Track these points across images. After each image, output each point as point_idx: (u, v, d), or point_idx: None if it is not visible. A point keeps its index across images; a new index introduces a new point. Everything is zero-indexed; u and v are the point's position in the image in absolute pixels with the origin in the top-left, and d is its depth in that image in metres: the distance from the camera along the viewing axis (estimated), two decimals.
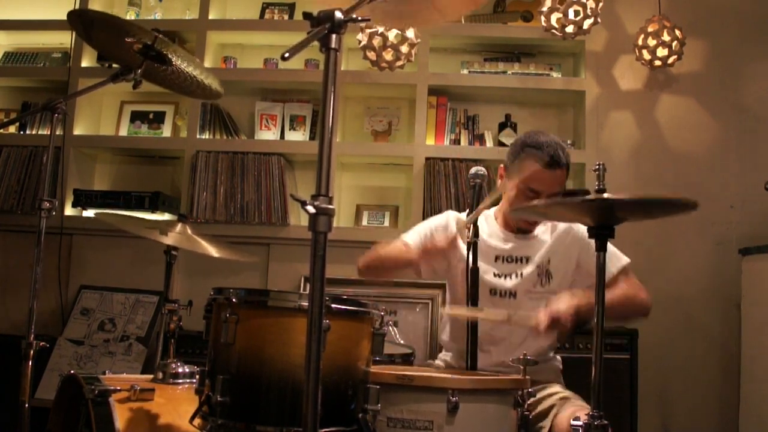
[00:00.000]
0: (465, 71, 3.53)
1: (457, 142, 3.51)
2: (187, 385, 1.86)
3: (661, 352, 3.25)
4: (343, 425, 1.43)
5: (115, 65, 2.19)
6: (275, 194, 3.37)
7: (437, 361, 2.22)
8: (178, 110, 3.70)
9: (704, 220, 3.34)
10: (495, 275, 2.08)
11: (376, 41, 3.12)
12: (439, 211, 3.24)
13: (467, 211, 2.00)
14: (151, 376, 1.90)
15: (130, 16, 3.69)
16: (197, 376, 1.56)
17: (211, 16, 3.60)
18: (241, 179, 3.39)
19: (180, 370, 1.89)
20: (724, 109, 3.47)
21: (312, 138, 3.55)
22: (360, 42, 3.15)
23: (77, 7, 3.54)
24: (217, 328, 1.47)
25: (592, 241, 2.02)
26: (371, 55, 3.15)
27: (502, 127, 3.52)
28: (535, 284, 2.07)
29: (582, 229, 2.07)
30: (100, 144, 3.63)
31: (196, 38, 3.57)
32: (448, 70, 3.59)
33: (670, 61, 3.25)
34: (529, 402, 1.55)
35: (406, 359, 2.16)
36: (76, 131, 3.55)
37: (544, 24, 3.11)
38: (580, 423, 1.40)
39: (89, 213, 3.46)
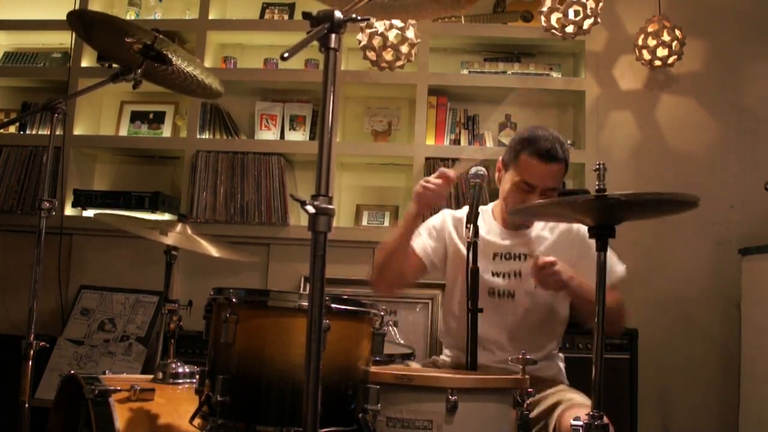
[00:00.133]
0: (465, 71, 3.53)
1: (457, 142, 3.51)
2: (187, 385, 1.86)
3: (661, 352, 3.26)
4: (343, 425, 1.43)
5: (115, 65, 2.19)
6: (275, 194, 3.37)
7: (442, 356, 2.21)
8: (178, 110, 3.70)
9: (704, 220, 3.34)
10: (493, 274, 2.07)
11: (376, 41, 3.12)
12: (439, 211, 3.26)
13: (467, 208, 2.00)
14: (151, 376, 1.90)
15: (130, 16, 3.69)
16: (197, 376, 1.56)
17: (211, 16, 3.60)
18: (241, 179, 3.39)
19: (180, 370, 1.89)
20: (724, 109, 3.47)
21: (312, 138, 3.55)
22: (360, 42, 3.15)
23: (77, 7, 3.54)
24: (217, 328, 1.47)
25: (592, 247, 2.03)
26: (371, 55, 3.15)
27: (502, 127, 3.52)
28: (535, 284, 2.05)
29: (582, 231, 2.08)
30: (100, 144, 3.63)
31: (196, 38, 3.57)
32: (448, 70, 3.59)
33: (670, 61, 3.25)
34: (529, 401, 1.54)
35: (406, 359, 2.16)
36: (76, 131, 3.55)
37: (544, 24, 3.11)
38: (580, 423, 1.40)
39: (89, 213, 3.46)
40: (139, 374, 2.67)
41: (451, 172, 1.98)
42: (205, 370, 1.51)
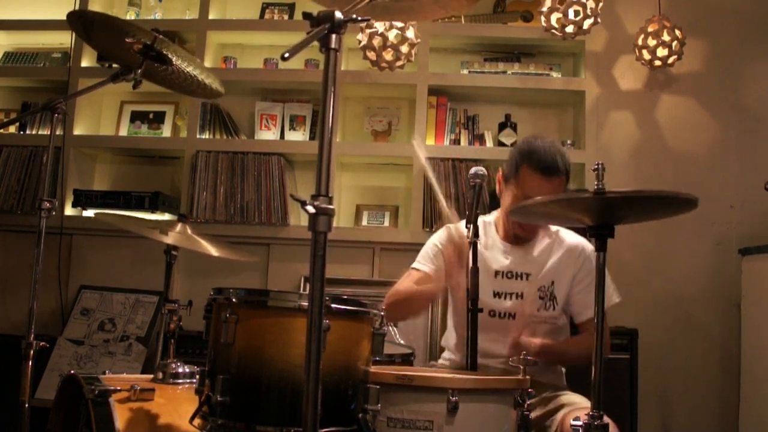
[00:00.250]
0: (465, 71, 3.53)
1: (457, 142, 3.51)
2: (187, 385, 1.85)
3: (661, 352, 3.26)
4: (343, 425, 1.43)
5: (115, 65, 2.19)
6: (275, 194, 3.37)
7: (441, 361, 2.21)
8: (178, 110, 3.70)
9: (704, 220, 3.34)
10: (495, 294, 2.04)
11: (376, 41, 3.12)
12: (439, 212, 3.26)
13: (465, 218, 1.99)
14: (151, 376, 1.90)
15: (130, 16, 3.69)
16: (197, 376, 1.56)
17: (211, 16, 3.60)
18: (241, 179, 3.39)
19: (180, 370, 1.89)
20: (724, 109, 3.47)
21: (312, 138, 3.55)
22: (360, 42, 3.15)
23: (77, 7, 3.55)
24: (217, 328, 1.47)
25: (592, 272, 2.01)
26: (371, 55, 3.15)
27: (502, 127, 3.52)
28: (539, 308, 2.03)
29: (588, 252, 2.04)
30: (100, 144, 3.64)
31: (196, 38, 3.57)
32: (448, 70, 3.59)
33: (670, 61, 3.25)
34: (529, 402, 1.54)
35: (406, 359, 2.15)
36: (76, 131, 3.55)
37: (544, 24, 3.11)
38: (580, 423, 1.40)
39: (89, 213, 3.46)
40: (139, 374, 2.67)
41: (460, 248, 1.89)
42: (205, 370, 1.51)
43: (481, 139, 3.53)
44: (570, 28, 3.07)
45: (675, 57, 3.25)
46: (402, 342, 2.62)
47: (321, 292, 1.11)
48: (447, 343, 2.21)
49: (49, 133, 2.69)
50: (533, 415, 1.60)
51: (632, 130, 3.52)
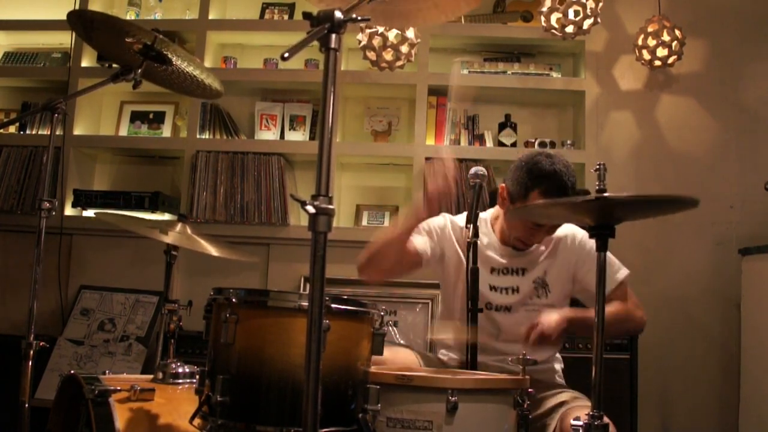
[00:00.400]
0: (465, 71, 3.53)
1: (457, 142, 3.51)
2: (187, 385, 1.86)
3: (661, 352, 3.26)
4: (343, 425, 1.43)
5: (115, 65, 2.18)
6: (275, 194, 3.37)
7: (440, 356, 2.21)
8: (178, 110, 3.70)
9: (704, 220, 3.34)
10: (491, 288, 2.06)
11: (376, 41, 3.12)
12: (439, 212, 3.26)
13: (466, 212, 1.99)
14: (151, 376, 1.90)
15: (130, 16, 3.69)
16: (197, 376, 1.56)
17: (211, 16, 3.60)
18: (241, 179, 3.39)
19: (180, 370, 1.89)
20: (724, 109, 3.47)
21: (312, 138, 3.55)
22: (360, 42, 3.15)
23: (77, 7, 3.54)
24: (217, 328, 1.47)
25: (591, 252, 2.02)
26: (371, 55, 3.15)
27: (502, 127, 3.52)
28: (531, 296, 2.05)
29: (580, 237, 2.07)
30: (100, 144, 3.63)
31: (196, 38, 3.57)
32: (448, 70, 3.58)
33: (670, 61, 3.25)
34: (528, 402, 1.54)
35: None
36: (76, 131, 3.55)
37: (543, 24, 3.11)
38: (580, 423, 1.40)
39: (89, 213, 3.46)
40: (139, 374, 2.67)
41: (448, 169, 1.89)
42: (205, 370, 1.51)
43: (481, 139, 3.53)
44: (570, 28, 3.07)
45: (675, 57, 3.25)
46: (402, 342, 2.63)
47: (321, 292, 1.11)
48: (439, 340, 2.20)
49: (49, 133, 2.69)
50: (531, 413, 1.60)
51: (632, 130, 3.51)
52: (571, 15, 3.04)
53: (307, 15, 1.15)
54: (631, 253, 3.29)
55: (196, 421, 1.48)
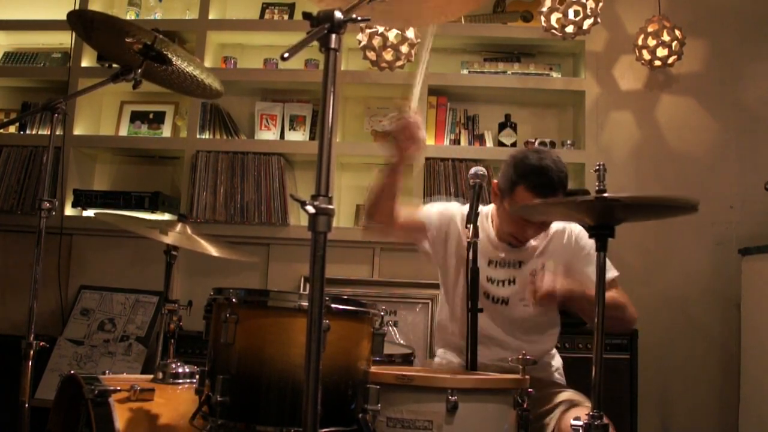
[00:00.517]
0: (465, 71, 3.53)
1: (457, 142, 3.51)
2: (187, 385, 1.85)
3: (661, 352, 3.26)
4: (343, 425, 1.43)
5: (115, 65, 2.19)
6: (275, 194, 3.37)
7: (436, 359, 2.21)
8: (178, 110, 3.70)
9: (704, 220, 3.34)
10: (488, 279, 2.06)
11: (376, 41, 3.12)
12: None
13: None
14: (151, 376, 1.90)
15: (130, 16, 3.69)
16: (197, 376, 1.56)
17: (211, 16, 3.60)
18: (241, 179, 3.39)
19: (180, 370, 1.89)
20: (724, 109, 3.47)
21: (312, 138, 3.55)
22: (360, 42, 3.15)
23: (77, 7, 3.54)
24: (217, 328, 1.47)
25: (585, 247, 2.03)
26: (371, 55, 3.15)
27: (502, 127, 3.52)
28: (527, 290, 2.04)
29: (575, 231, 2.08)
30: (100, 144, 3.63)
31: (196, 38, 3.57)
32: (448, 70, 3.58)
33: (670, 61, 3.25)
34: (528, 402, 1.54)
35: (406, 359, 2.15)
36: (76, 131, 3.55)
37: (544, 24, 3.11)
38: (580, 423, 1.40)
39: (89, 213, 3.46)
40: (139, 374, 2.67)
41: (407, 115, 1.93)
42: (205, 370, 1.51)
43: (481, 139, 3.53)
44: (570, 28, 3.07)
45: (675, 57, 3.25)
46: (402, 342, 2.63)
47: (321, 292, 1.11)
48: (439, 330, 2.20)
49: (49, 133, 2.69)
50: (531, 413, 1.59)
51: (632, 130, 3.51)
52: (571, 15, 3.04)
53: (306, 15, 1.15)
54: (631, 254, 3.31)
55: (196, 421, 1.48)
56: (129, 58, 1.93)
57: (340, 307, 1.45)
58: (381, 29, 3.08)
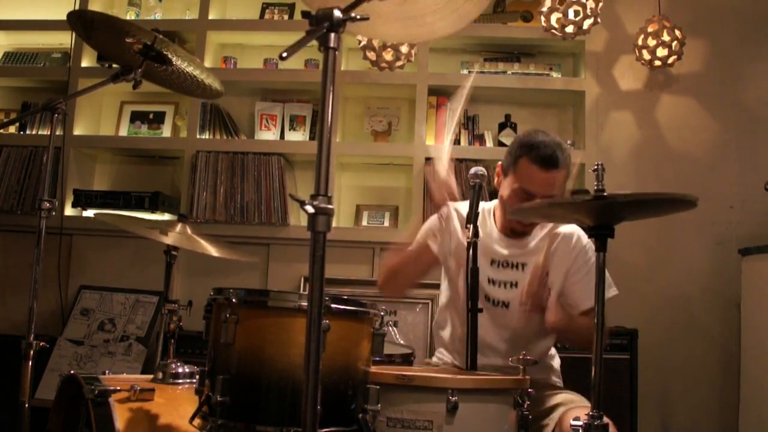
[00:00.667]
0: (465, 71, 3.53)
1: (457, 142, 3.51)
2: (187, 385, 1.86)
3: (661, 352, 3.26)
4: (343, 425, 1.43)
5: (115, 65, 2.19)
6: (275, 194, 3.37)
7: (434, 359, 2.20)
8: (178, 110, 3.70)
9: (704, 220, 3.34)
10: (490, 281, 2.04)
11: (376, 41, 3.12)
12: None
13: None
14: (151, 376, 1.90)
15: (130, 16, 3.69)
16: (197, 376, 1.56)
17: (211, 16, 3.60)
18: (241, 179, 3.39)
19: (180, 370, 1.89)
20: (724, 109, 3.47)
21: (312, 138, 3.55)
22: (360, 42, 3.15)
23: (77, 7, 3.54)
24: (217, 328, 1.47)
25: (587, 264, 2.01)
26: (371, 55, 3.16)
27: (502, 127, 3.52)
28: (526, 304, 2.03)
29: (583, 242, 2.05)
30: (100, 144, 3.64)
31: (196, 38, 3.57)
32: (448, 70, 3.59)
33: (670, 61, 3.25)
34: (528, 402, 1.54)
35: (406, 359, 2.15)
36: (76, 131, 3.55)
37: (544, 24, 3.11)
38: (580, 423, 1.40)
39: (89, 213, 3.46)
40: (139, 374, 2.67)
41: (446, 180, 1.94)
42: (205, 370, 1.51)
43: (481, 139, 3.53)
44: (570, 28, 3.07)
45: (675, 57, 3.25)
46: (402, 342, 2.63)
47: (321, 292, 1.11)
48: (440, 333, 2.19)
49: (49, 133, 2.69)
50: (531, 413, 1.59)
51: (632, 130, 3.52)
52: (571, 15, 3.04)
53: (306, 14, 1.15)
54: (631, 253, 3.31)
55: (196, 421, 1.48)
56: (129, 58, 1.93)
57: (340, 307, 1.45)
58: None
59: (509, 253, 2.06)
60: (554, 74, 3.49)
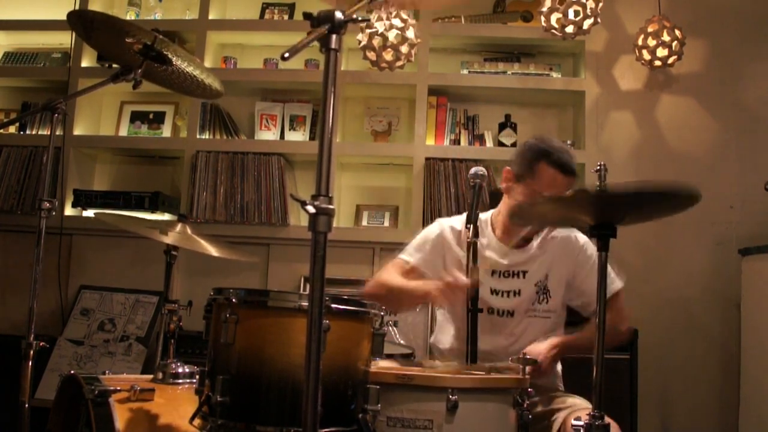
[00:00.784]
0: (465, 71, 3.53)
1: (457, 142, 3.51)
2: (187, 385, 1.86)
3: (661, 352, 3.26)
4: (343, 425, 1.43)
5: (115, 65, 2.18)
6: (275, 194, 3.37)
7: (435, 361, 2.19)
8: (178, 110, 3.70)
9: (704, 220, 3.34)
10: (492, 291, 2.04)
11: (376, 41, 3.12)
12: (439, 212, 3.26)
13: (465, 213, 1.98)
14: (151, 376, 1.90)
15: (130, 16, 3.69)
16: (197, 376, 1.56)
17: (211, 16, 3.60)
18: (241, 179, 3.39)
19: (180, 370, 1.89)
20: (724, 109, 3.47)
21: (312, 138, 3.55)
22: (360, 42, 3.15)
23: (77, 7, 3.54)
24: (217, 328, 1.47)
25: (592, 257, 2.02)
26: (371, 55, 3.15)
27: (502, 127, 3.52)
28: (533, 302, 2.04)
29: (581, 241, 2.06)
30: (100, 144, 3.63)
31: (196, 38, 3.57)
32: (448, 70, 3.58)
33: (670, 61, 3.25)
34: (528, 402, 1.54)
35: (406, 359, 2.15)
36: (76, 131, 3.55)
37: (544, 24, 3.11)
38: (581, 423, 1.40)
39: (89, 213, 3.46)
40: (139, 374, 2.67)
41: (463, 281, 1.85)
42: (205, 370, 1.51)
43: (481, 139, 3.53)
44: (570, 28, 3.07)
45: (675, 57, 3.25)
46: (402, 342, 2.63)
47: (321, 292, 1.11)
48: (438, 342, 2.18)
49: (49, 133, 2.69)
50: (532, 414, 1.59)
51: (632, 130, 3.52)
52: (571, 15, 3.03)
53: (307, 15, 1.15)
54: (631, 253, 3.31)
55: (196, 421, 1.48)
56: (129, 58, 1.93)
57: (340, 307, 1.45)
58: (381, 29, 3.08)
59: (509, 263, 2.06)
60: (554, 74, 3.49)
